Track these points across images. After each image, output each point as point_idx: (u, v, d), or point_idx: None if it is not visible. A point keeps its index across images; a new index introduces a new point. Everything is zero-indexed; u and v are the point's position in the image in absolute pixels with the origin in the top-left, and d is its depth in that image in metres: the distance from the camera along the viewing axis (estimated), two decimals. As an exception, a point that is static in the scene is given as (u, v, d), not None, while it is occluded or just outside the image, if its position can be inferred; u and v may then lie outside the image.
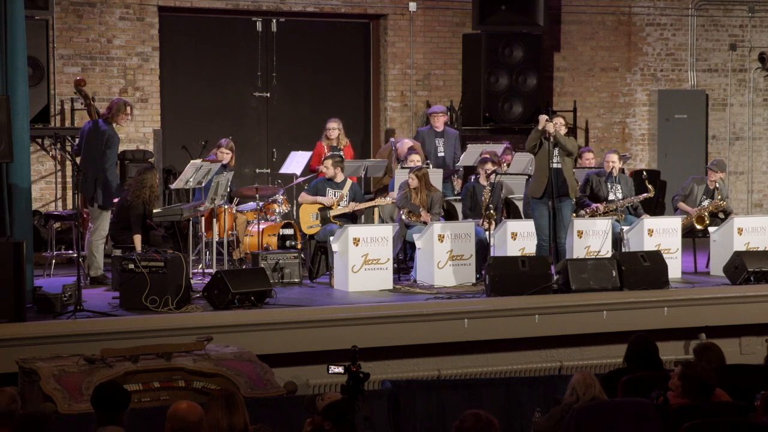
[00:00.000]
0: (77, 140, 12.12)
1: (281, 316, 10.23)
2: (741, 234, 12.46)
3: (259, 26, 15.31)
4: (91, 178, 11.35)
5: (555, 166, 11.52)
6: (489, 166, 12.56)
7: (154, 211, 11.86)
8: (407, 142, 13.98)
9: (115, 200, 11.73)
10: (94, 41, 14.33)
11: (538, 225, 11.63)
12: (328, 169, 12.38)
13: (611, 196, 12.80)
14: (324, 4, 15.46)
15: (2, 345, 9.10)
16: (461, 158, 14.10)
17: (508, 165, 13.78)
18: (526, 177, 13.10)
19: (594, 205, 12.73)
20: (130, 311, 10.18)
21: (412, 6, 15.77)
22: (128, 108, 11.64)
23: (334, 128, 13.58)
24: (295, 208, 12.87)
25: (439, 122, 14.37)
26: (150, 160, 13.99)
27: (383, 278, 11.48)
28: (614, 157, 12.83)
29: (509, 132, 15.73)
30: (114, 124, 11.58)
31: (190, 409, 6.26)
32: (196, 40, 15.19)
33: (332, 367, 6.53)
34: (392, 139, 14.41)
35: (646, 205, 13.26)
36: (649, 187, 12.91)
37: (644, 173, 13.53)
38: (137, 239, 11.63)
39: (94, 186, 11.36)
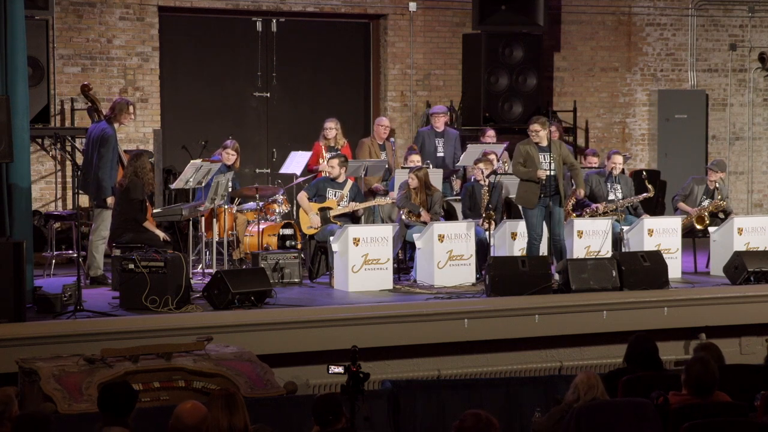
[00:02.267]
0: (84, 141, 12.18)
1: (281, 316, 10.23)
2: (741, 234, 12.46)
3: (259, 26, 15.31)
4: (89, 177, 11.40)
5: (551, 173, 11.55)
6: (481, 165, 12.56)
7: (154, 210, 11.84)
8: (383, 120, 14.06)
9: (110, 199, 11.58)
10: (94, 41, 14.33)
11: (530, 224, 11.65)
12: (333, 168, 12.35)
13: (611, 196, 12.81)
14: (324, 4, 15.45)
15: (2, 345, 9.10)
16: (461, 158, 14.10)
17: (505, 162, 13.79)
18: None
19: (594, 205, 12.73)
20: (130, 311, 10.17)
21: (412, 6, 15.77)
22: (130, 107, 11.68)
23: (332, 128, 13.57)
24: (295, 208, 12.87)
25: (440, 122, 14.37)
26: (150, 159, 13.97)
27: (383, 278, 11.48)
28: (619, 159, 12.87)
29: (509, 132, 15.71)
30: (116, 124, 11.61)
31: (190, 410, 6.25)
32: (196, 40, 15.19)
33: (332, 367, 6.54)
34: (392, 141, 14.40)
35: (646, 205, 13.27)
36: (649, 186, 12.91)
37: (644, 173, 13.53)
38: (149, 225, 11.33)
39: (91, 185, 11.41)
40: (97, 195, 11.49)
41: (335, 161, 12.39)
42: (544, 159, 11.60)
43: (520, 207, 12.26)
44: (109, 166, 11.48)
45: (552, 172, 11.58)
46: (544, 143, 11.69)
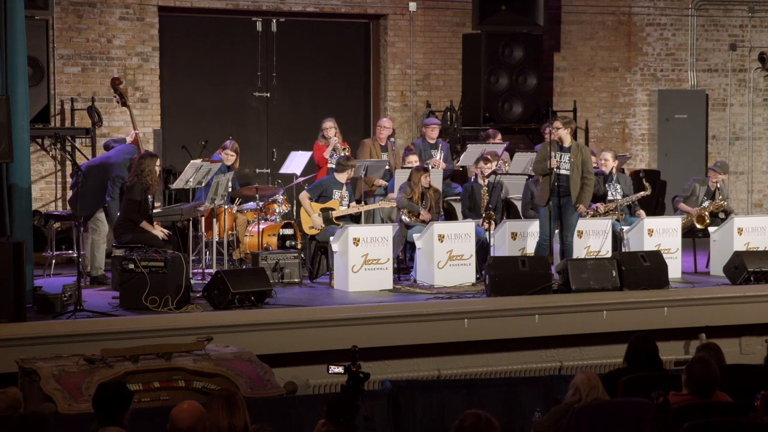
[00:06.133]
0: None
1: (281, 316, 10.23)
2: (741, 234, 12.47)
3: (259, 26, 15.31)
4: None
5: (563, 172, 11.54)
6: (481, 164, 12.56)
7: (154, 211, 11.83)
8: (385, 121, 14.07)
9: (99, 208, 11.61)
10: (94, 41, 14.33)
11: (539, 223, 11.67)
12: (354, 167, 12.45)
13: (611, 196, 12.80)
14: (324, 4, 15.45)
15: (2, 345, 9.10)
16: (461, 158, 14.10)
17: (505, 162, 13.78)
18: (526, 177, 13.11)
19: (594, 205, 12.73)
20: (130, 311, 10.18)
21: (412, 6, 15.77)
22: (155, 161, 11.47)
23: (331, 127, 13.59)
24: (295, 208, 12.87)
25: (434, 133, 14.29)
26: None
27: (383, 278, 11.48)
28: (607, 155, 12.92)
29: (509, 132, 15.71)
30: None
31: (185, 412, 6.23)
32: (196, 40, 15.18)
33: (332, 367, 6.53)
34: (392, 141, 14.39)
35: (646, 206, 13.25)
36: (647, 185, 12.89)
37: (642, 172, 13.52)
38: (147, 225, 11.25)
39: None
40: (77, 207, 11.41)
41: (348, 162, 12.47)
42: (561, 158, 11.59)
43: (522, 206, 12.28)
44: (111, 198, 11.54)
45: (564, 171, 11.55)
46: (566, 143, 11.67)
